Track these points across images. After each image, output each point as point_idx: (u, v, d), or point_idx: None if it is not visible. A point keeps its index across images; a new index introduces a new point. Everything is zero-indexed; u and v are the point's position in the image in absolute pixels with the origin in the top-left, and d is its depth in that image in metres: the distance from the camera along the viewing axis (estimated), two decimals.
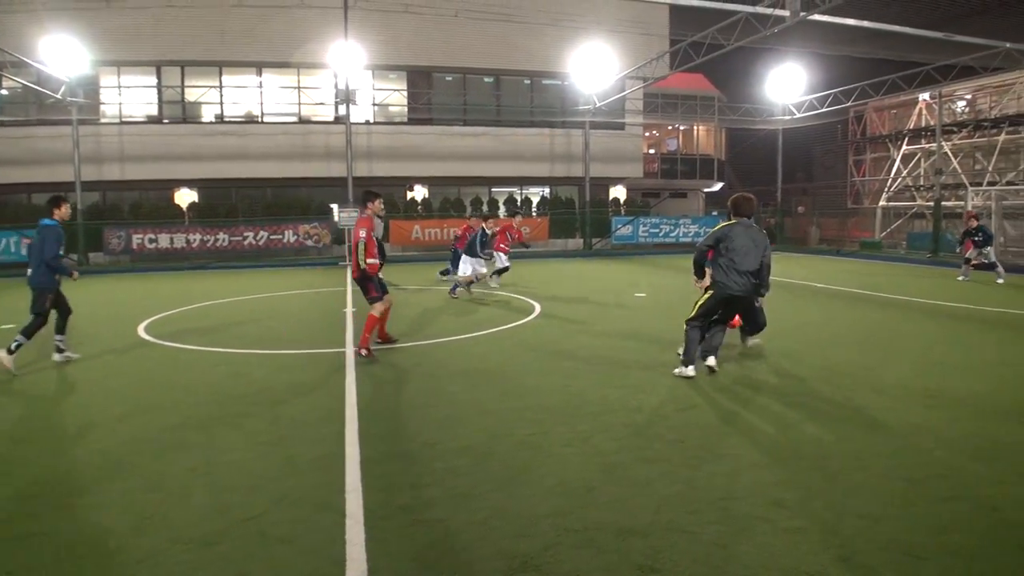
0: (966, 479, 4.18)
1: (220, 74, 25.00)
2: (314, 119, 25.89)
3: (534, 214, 26.76)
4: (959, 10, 23.28)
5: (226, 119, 25.30)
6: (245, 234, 23.02)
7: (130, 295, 14.58)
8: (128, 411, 5.79)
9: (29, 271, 7.43)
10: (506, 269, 14.35)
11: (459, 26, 25.79)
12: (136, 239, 22.32)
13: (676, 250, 25.47)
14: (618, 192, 30.44)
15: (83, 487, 4.18)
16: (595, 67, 24.49)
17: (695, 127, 35.96)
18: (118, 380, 6.93)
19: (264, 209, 24.55)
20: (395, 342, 8.41)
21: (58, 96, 20.95)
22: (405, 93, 26.71)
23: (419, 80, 26.74)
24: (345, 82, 23.21)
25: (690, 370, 6.58)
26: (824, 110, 27.53)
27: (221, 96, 25.26)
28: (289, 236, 23.40)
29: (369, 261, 7.60)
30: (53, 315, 7.62)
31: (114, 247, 22.26)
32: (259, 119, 25.51)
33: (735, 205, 6.80)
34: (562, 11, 26.10)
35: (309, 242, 23.61)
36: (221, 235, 22.77)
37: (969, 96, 26.03)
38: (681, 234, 26.79)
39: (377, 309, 7.86)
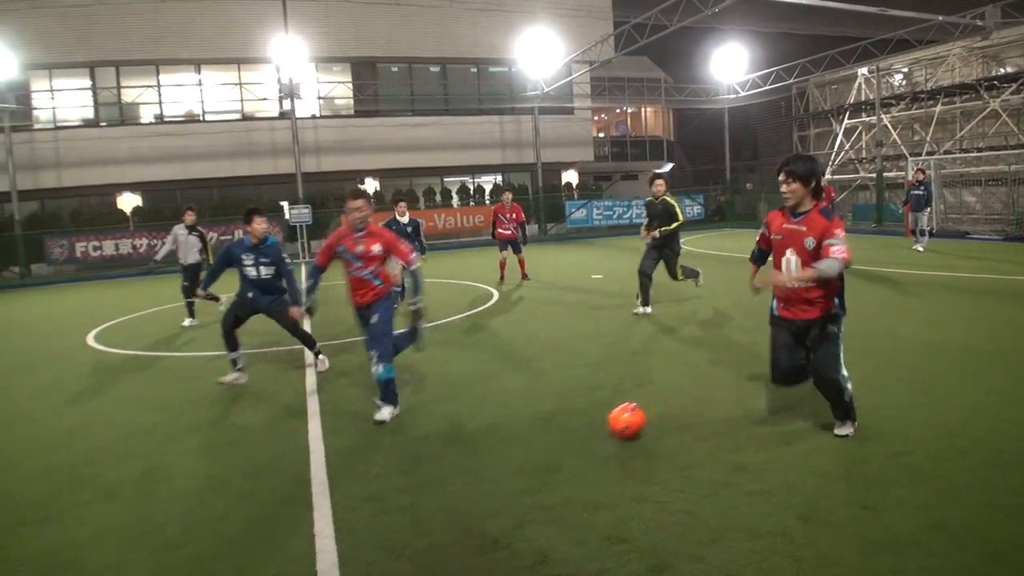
0: (913, 436, 4.34)
1: (157, 73, 24.21)
2: (258, 115, 25.30)
3: (487, 202, 26.64)
4: None
5: (166, 119, 24.55)
6: None
7: (77, 304, 14.07)
8: (80, 422, 5.62)
9: None
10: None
11: (402, 15, 25.47)
12: (80, 247, 21.57)
13: (630, 231, 25.68)
14: (570, 176, 30.54)
15: (38, 502, 4.04)
16: (541, 52, 24.42)
17: (643, 109, 36.28)
18: (67, 390, 6.70)
19: (212, 210, 23.92)
20: None
21: None
22: (350, 85, 26.30)
23: (364, 72, 26.34)
24: (288, 76, 22.73)
25: None
26: (767, 88, 28.03)
27: (160, 96, 24.51)
28: (240, 236, 22.88)
29: None
30: None
31: (57, 257, 21.50)
32: (201, 118, 24.83)
33: None
34: None
35: None
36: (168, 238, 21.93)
37: (905, 69, 26.70)
38: (634, 215, 27.04)
39: None
